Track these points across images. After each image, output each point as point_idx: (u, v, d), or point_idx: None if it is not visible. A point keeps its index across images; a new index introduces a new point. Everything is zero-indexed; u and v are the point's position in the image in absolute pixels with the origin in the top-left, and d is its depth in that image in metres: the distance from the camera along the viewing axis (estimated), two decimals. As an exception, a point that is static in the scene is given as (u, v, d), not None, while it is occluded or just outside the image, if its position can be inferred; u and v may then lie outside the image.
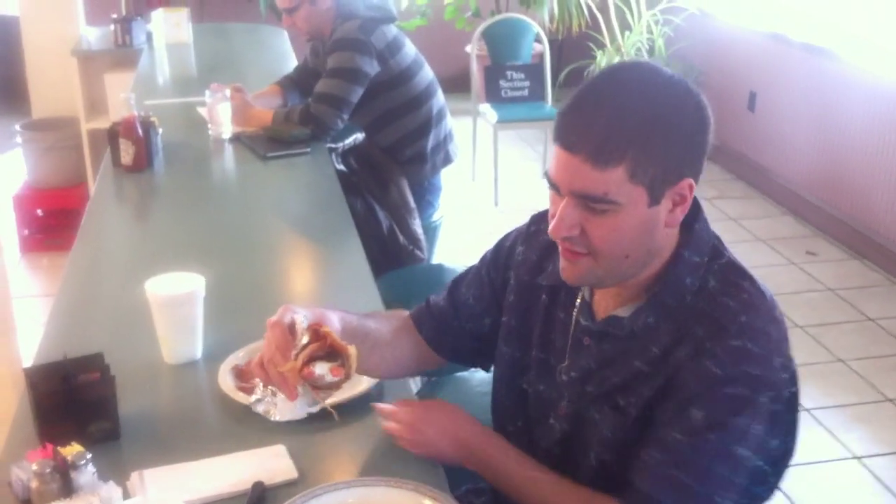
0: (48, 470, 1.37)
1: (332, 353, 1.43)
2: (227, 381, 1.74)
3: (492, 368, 1.69)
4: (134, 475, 1.45)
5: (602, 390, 1.43)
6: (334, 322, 1.49)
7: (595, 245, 1.33)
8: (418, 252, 3.26)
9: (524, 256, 1.60)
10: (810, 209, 5.04)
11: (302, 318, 1.45)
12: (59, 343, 1.73)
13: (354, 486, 1.46)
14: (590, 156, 1.27)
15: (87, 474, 1.39)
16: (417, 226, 3.29)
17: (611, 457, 1.42)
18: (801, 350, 3.79)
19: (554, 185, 1.34)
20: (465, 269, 1.74)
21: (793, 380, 1.43)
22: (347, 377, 1.44)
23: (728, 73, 5.82)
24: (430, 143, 3.42)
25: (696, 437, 1.32)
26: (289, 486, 1.48)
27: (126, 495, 1.42)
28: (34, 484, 1.37)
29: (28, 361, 1.82)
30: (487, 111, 5.39)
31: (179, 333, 1.83)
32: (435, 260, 3.43)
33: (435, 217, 3.52)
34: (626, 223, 1.31)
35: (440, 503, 1.41)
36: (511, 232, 1.68)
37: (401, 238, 3.23)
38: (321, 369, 1.41)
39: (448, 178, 3.61)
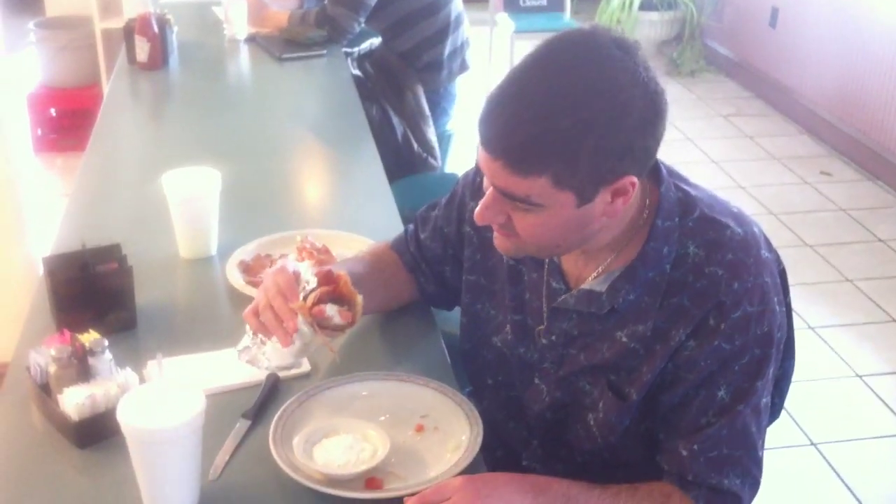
0: (66, 355, 1.38)
1: (337, 298, 1.44)
2: (234, 276, 1.77)
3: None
4: (152, 362, 1.47)
5: (593, 363, 1.39)
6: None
7: (521, 235, 1.28)
8: (432, 160, 3.25)
9: None
10: (827, 129, 4.99)
11: (307, 266, 1.46)
12: (76, 236, 1.74)
13: (365, 379, 1.49)
14: (509, 163, 1.18)
15: (104, 361, 1.41)
16: (432, 133, 3.27)
17: (616, 438, 1.40)
18: (810, 269, 3.81)
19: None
20: (428, 206, 1.66)
21: (785, 292, 1.40)
22: (352, 323, 1.45)
23: (751, -12, 5.72)
24: (447, 49, 3.38)
25: (728, 415, 1.31)
26: (301, 379, 1.52)
27: (142, 382, 1.45)
28: (52, 368, 1.39)
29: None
30: (504, 21, 5.32)
31: (195, 227, 1.85)
32: (448, 168, 3.42)
33: (449, 125, 3.50)
34: (552, 221, 1.24)
35: (447, 397, 1.45)
36: (462, 178, 1.58)
37: (415, 145, 3.21)
38: (331, 310, 1.42)
39: (463, 89, 3.58)
